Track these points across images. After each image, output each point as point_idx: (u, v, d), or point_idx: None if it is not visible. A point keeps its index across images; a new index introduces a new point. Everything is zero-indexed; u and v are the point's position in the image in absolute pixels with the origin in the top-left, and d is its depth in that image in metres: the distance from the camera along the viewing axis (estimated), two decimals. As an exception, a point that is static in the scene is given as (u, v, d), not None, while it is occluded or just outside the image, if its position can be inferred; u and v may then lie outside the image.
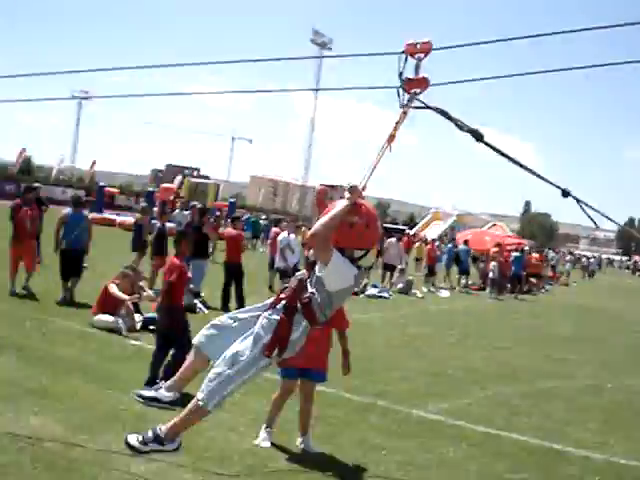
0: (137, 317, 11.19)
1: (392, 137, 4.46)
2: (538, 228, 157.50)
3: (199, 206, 16.32)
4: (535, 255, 31.04)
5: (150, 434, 4.52)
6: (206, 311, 13.50)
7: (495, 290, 25.81)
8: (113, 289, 11.03)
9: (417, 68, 4.26)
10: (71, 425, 6.33)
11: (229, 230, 14.92)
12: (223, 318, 4.75)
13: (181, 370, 4.91)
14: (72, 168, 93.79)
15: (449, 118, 4.44)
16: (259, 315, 4.54)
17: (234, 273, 14.43)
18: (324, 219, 4.33)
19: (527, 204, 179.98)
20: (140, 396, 6.34)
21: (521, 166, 4.67)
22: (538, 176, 4.79)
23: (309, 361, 6.39)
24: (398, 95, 4.38)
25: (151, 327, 11.08)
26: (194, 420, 4.58)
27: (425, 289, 24.39)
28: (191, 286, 13.91)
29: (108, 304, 10.96)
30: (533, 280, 30.17)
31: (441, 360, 11.91)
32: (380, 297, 20.39)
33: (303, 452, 6.49)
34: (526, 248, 32.51)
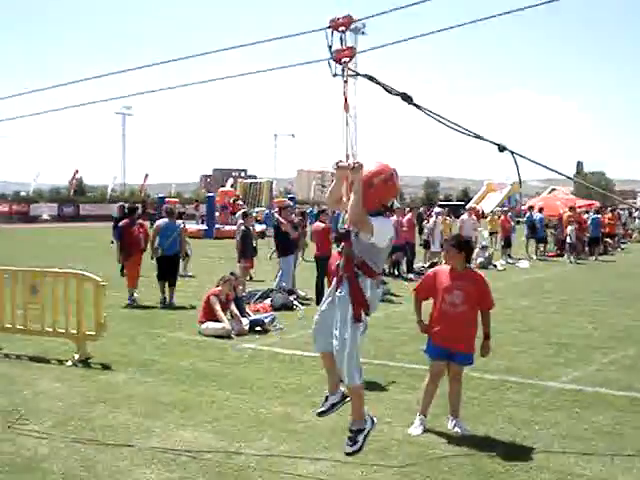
0: (244, 320, 11.20)
1: (346, 105, 5.03)
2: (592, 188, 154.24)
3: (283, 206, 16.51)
4: (608, 215, 30.32)
5: (351, 434, 5.14)
6: (302, 307, 13.47)
7: (574, 254, 25.31)
8: (214, 304, 11.03)
9: (342, 40, 4.86)
10: (223, 434, 6.34)
11: (317, 224, 14.84)
12: (315, 318, 5.27)
13: (329, 377, 5.37)
14: (123, 185, 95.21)
15: (377, 83, 5.09)
16: (331, 300, 5.09)
17: (325, 267, 14.33)
18: (351, 207, 4.83)
19: (579, 164, 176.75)
20: (320, 413, 5.57)
21: (453, 127, 5.28)
22: (474, 135, 5.39)
23: (456, 344, 6.41)
24: (330, 66, 5.02)
25: (257, 328, 11.14)
26: (360, 400, 5.14)
27: (503, 261, 23.99)
28: (283, 284, 13.96)
29: (212, 311, 10.99)
30: (609, 240, 29.49)
31: (551, 329, 11.69)
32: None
33: (458, 435, 6.36)
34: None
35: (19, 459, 5.67)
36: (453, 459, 5.78)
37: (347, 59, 4.92)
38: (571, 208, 27.82)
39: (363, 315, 4.89)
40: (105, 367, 8.81)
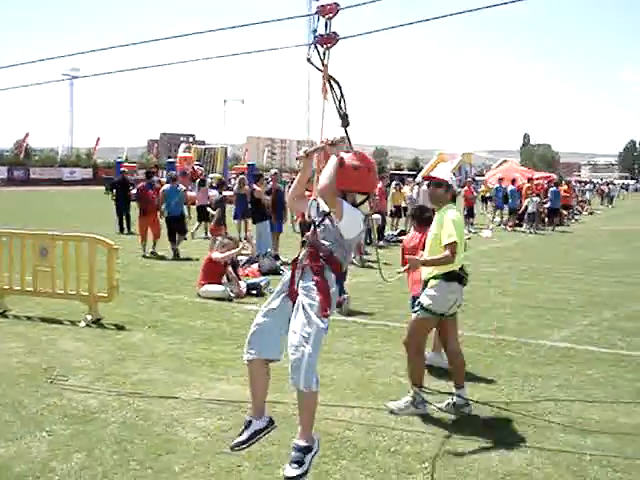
0: (241, 284, 11.65)
1: (324, 89, 5.20)
2: (539, 160, 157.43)
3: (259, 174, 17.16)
4: (564, 187, 31.46)
5: (296, 454, 4.41)
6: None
7: (534, 225, 26.29)
8: (217, 256, 11.50)
9: (326, 25, 5.02)
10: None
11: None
12: (258, 320, 4.68)
13: (254, 393, 4.76)
14: (71, 148, 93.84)
15: (334, 88, 5.26)
16: (284, 296, 4.63)
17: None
18: (324, 176, 4.50)
19: (526, 137, 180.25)
20: (238, 445, 4.71)
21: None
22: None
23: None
24: (316, 49, 5.21)
25: (253, 292, 11.61)
26: (313, 411, 4.51)
27: (467, 231, 24.75)
28: (269, 250, 14.42)
29: (213, 274, 11.41)
30: (564, 212, 30.63)
31: (528, 294, 12.42)
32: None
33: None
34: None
35: (74, 411, 6.04)
36: (479, 406, 6.38)
37: (329, 44, 5.09)
38: (530, 180, 28.79)
39: (328, 311, 4.42)
40: (119, 327, 9.18)
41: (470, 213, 26.28)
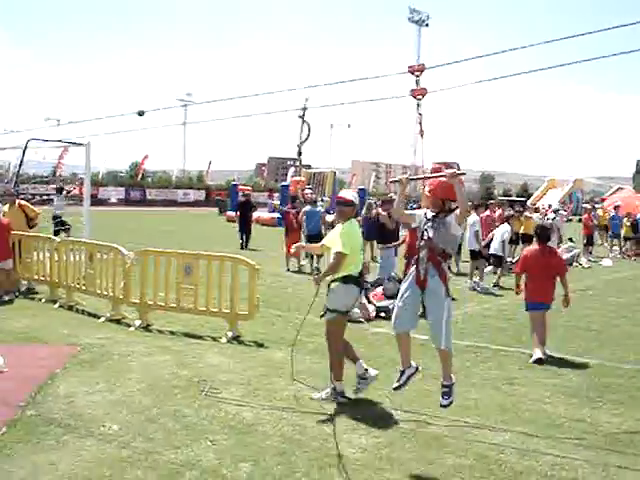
0: (370, 307, 11.85)
1: (421, 131, 6.71)
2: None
3: (388, 199, 17.12)
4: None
5: (445, 389, 6.32)
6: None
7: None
8: None
9: (417, 82, 6.28)
10: (407, 405, 6.97)
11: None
12: (399, 304, 6.35)
13: (403, 354, 6.53)
14: (183, 171, 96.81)
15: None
16: (413, 288, 6.21)
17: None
18: (462, 203, 6.05)
19: (639, 163, 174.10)
20: (398, 386, 6.56)
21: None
22: None
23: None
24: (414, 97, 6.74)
25: (382, 314, 11.78)
26: (451, 359, 6.40)
27: (586, 259, 24.24)
28: (393, 274, 14.58)
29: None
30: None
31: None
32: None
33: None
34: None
35: (233, 422, 6.37)
36: (624, 436, 6.33)
37: (421, 97, 6.29)
38: (653, 208, 27.92)
39: (450, 291, 6.15)
40: (259, 345, 9.54)
41: (589, 241, 25.65)
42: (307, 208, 19.21)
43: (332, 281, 7.15)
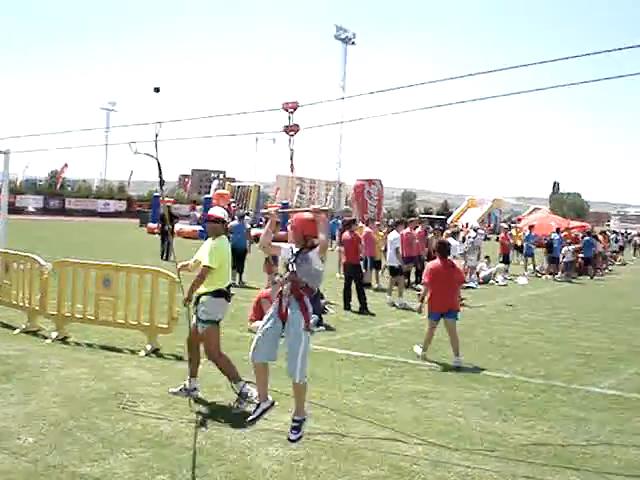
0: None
1: (292, 167, 7.12)
2: (569, 208, 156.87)
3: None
4: (600, 237, 31.51)
5: (295, 424, 6.14)
6: (333, 312, 14.30)
7: (570, 273, 26.37)
8: (264, 304, 11.79)
9: (289, 119, 6.47)
10: (322, 420, 7.07)
11: (346, 234, 15.64)
12: (258, 335, 6.29)
13: (260, 386, 6.41)
14: (103, 180, 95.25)
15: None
16: (275, 319, 6.19)
17: (353, 273, 15.17)
18: (323, 236, 6.30)
19: (555, 185, 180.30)
20: (252, 420, 6.41)
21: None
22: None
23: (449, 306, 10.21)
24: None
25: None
26: (305, 395, 6.30)
27: (502, 277, 24.89)
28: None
29: (262, 310, 11.71)
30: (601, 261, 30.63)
31: (572, 342, 12.55)
32: (468, 287, 20.97)
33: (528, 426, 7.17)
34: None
35: (150, 435, 6.34)
36: (532, 447, 6.58)
37: (293, 133, 6.48)
38: (566, 229, 28.92)
39: (310, 325, 6.14)
40: (178, 358, 9.49)
41: (505, 260, 26.38)
42: (233, 222, 19.45)
43: (202, 294, 7.46)
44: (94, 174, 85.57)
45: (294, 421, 6.14)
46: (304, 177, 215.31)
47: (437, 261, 10.71)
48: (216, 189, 52.69)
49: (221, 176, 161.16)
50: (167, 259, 23.54)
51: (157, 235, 26.39)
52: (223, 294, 7.58)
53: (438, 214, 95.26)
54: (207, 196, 45.64)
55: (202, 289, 7.49)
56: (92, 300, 10.24)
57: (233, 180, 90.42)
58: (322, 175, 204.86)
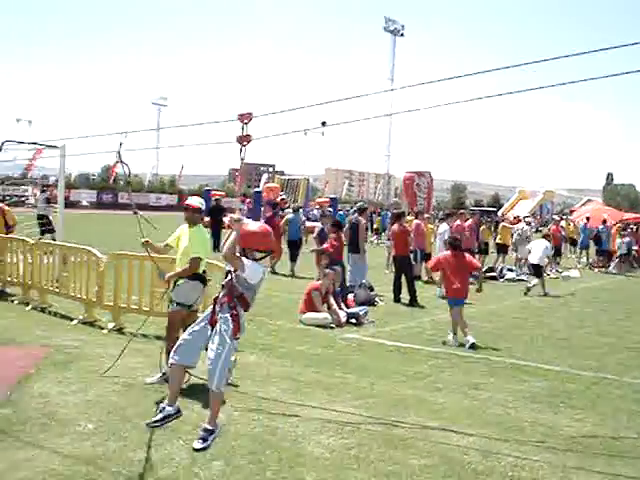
0: (341, 313, 12.05)
1: (241, 175, 7.59)
2: (623, 199, 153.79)
3: (365, 206, 17.72)
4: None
5: (203, 433, 5.91)
6: (383, 303, 14.41)
7: (624, 266, 25.98)
8: (315, 297, 11.94)
9: (242, 129, 6.61)
10: (373, 410, 7.18)
11: (395, 226, 15.69)
12: (184, 336, 6.20)
13: (172, 388, 6.26)
14: (156, 175, 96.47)
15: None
16: (205, 323, 6.09)
17: (403, 266, 15.22)
18: (227, 245, 5.98)
19: (609, 176, 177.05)
20: (154, 423, 6.19)
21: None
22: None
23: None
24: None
25: (352, 320, 11.99)
26: (219, 405, 6.09)
27: (553, 270, 24.63)
28: (364, 281, 14.79)
29: (313, 303, 11.87)
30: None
31: (623, 335, 12.47)
32: (519, 280, 20.83)
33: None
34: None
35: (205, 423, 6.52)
36: (583, 439, 6.59)
37: (246, 143, 6.67)
38: (621, 221, 28.46)
39: (238, 335, 5.99)
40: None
41: (557, 252, 26.07)
42: (290, 215, 20.94)
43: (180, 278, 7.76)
44: (146, 169, 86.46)
45: (203, 430, 5.91)
46: (353, 170, 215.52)
47: (447, 253, 11.58)
48: (266, 182, 53.12)
49: (270, 169, 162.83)
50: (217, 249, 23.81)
51: (207, 228, 26.72)
52: (199, 278, 7.80)
53: (489, 206, 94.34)
54: (257, 189, 46.04)
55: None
56: (147, 292, 10.47)
57: (282, 173, 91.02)
58: (371, 168, 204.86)
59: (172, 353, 6.16)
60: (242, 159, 6.85)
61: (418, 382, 8.44)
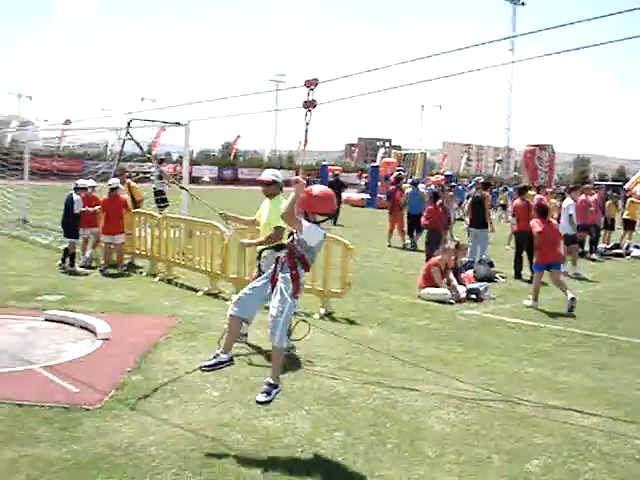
0: (461, 288, 11.96)
1: (306, 140, 6.41)
2: None
3: (482, 180, 17.33)
4: None
5: (267, 387, 5.82)
6: (504, 280, 14.18)
7: None
8: (435, 273, 11.88)
9: (308, 94, 6.38)
10: (495, 387, 7.13)
11: (517, 201, 15.40)
12: (245, 291, 6.22)
13: (228, 338, 6.19)
14: (274, 151, 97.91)
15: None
16: (266, 281, 6.09)
17: (524, 241, 14.89)
18: (286, 205, 6.06)
19: None
20: (205, 367, 6.20)
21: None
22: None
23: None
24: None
25: (472, 296, 11.87)
26: (281, 360, 6.02)
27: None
28: (484, 256, 14.58)
29: (432, 278, 11.82)
30: None
31: None
32: (645, 257, 20.04)
33: None
34: None
35: (326, 394, 6.65)
36: None
37: (312, 108, 6.47)
38: None
39: (298, 294, 5.98)
40: (350, 322, 9.81)
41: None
42: (408, 190, 21.39)
43: (264, 249, 8.04)
44: (265, 145, 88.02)
45: (267, 384, 5.89)
46: (471, 143, 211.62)
47: (537, 220, 12.17)
48: (383, 157, 53.04)
49: (387, 144, 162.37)
50: (335, 224, 24.06)
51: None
52: (283, 247, 7.65)
53: (614, 180, 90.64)
54: (374, 164, 46.05)
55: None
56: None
57: (399, 148, 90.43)
58: (490, 141, 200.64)
59: (232, 305, 6.24)
60: (307, 123, 6.94)
61: (540, 360, 8.30)
